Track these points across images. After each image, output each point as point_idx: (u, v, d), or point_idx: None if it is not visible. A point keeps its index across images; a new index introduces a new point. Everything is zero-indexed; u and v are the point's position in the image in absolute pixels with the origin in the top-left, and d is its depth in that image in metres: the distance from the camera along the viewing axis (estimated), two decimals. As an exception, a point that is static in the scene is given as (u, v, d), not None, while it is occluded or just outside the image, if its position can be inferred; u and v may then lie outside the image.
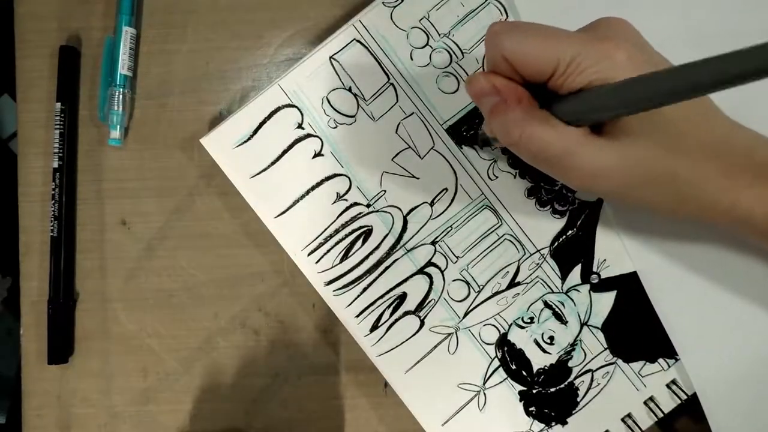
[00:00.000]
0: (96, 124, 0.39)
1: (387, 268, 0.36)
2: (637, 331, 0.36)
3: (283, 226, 0.36)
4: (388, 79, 0.36)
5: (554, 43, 0.26)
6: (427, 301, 0.36)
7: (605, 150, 0.27)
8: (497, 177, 0.36)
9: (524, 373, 0.36)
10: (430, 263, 0.36)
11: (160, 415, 0.38)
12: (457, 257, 0.36)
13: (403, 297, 0.36)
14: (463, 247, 0.36)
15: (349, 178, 0.36)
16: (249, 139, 0.36)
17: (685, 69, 0.22)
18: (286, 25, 0.39)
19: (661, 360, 0.35)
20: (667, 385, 0.35)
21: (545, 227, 0.36)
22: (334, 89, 0.36)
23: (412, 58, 0.36)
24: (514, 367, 0.36)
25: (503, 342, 0.36)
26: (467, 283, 0.36)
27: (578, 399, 0.36)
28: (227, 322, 0.38)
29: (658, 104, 0.23)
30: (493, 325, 0.36)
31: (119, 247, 0.39)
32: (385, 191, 0.36)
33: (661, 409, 0.35)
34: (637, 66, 0.25)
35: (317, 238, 0.36)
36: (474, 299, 0.36)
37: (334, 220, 0.36)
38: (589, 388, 0.36)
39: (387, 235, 0.36)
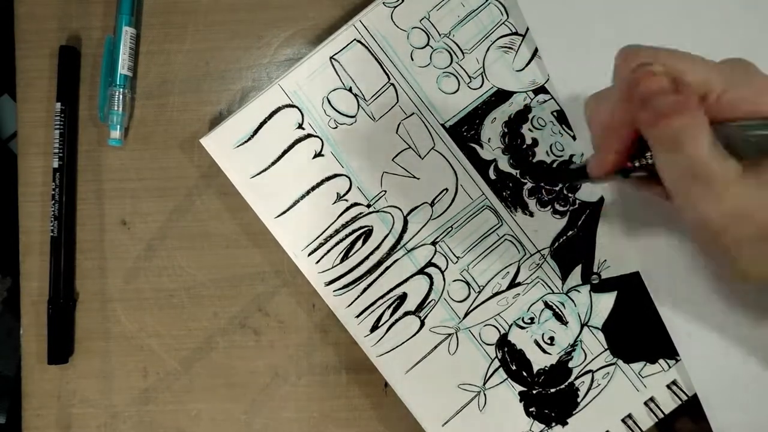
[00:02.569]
0: (96, 124, 0.39)
1: (387, 268, 0.36)
2: (637, 332, 0.36)
3: (283, 226, 0.36)
4: (389, 79, 0.36)
5: (709, 69, 0.25)
6: (428, 302, 0.36)
7: (759, 188, 0.24)
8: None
9: (524, 373, 0.36)
10: (430, 263, 0.36)
11: (160, 415, 0.38)
12: (457, 257, 0.36)
13: (403, 297, 0.36)
14: (463, 247, 0.36)
15: (349, 178, 0.36)
16: (249, 139, 0.36)
17: None
18: (286, 25, 0.39)
19: (661, 361, 0.35)
20: (668, 386, 0.35)
21: (546, 228, 0.36)
22: (335, 89, 0.36)
23: (412, 59, 0.36)
24: (514, 367, 0.36)
25: (503, 342, 0.36)
26: (467, 283, 0.36)
27: (578, 399, 0.36)
28: (227, 322, 0.38)
29: None
30: (494, 326, 0.36)
31: (119, 247, 0.39)
32: (385, 191, 0.36)
33: (661, 410, 0.35)
34: None
35: (317, 238, 0.36)
36: (474, 300, 0.36)
37: (335, 221, 0.36)
38: (589, 389, 0.36)
39: (387, 235, 0.36)
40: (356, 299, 0.36)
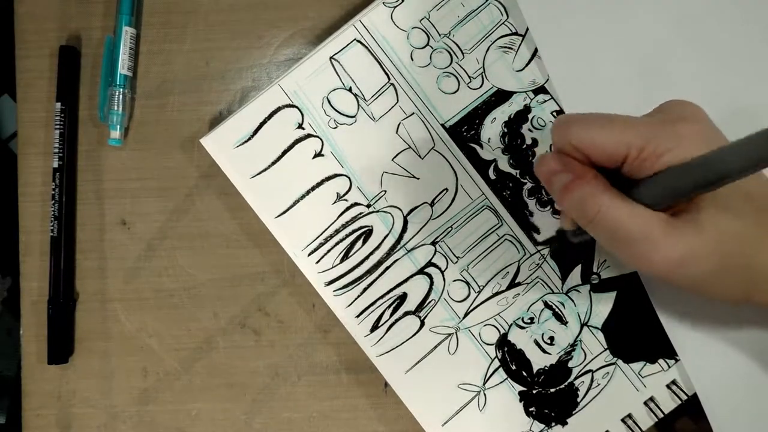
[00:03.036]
0: (96, 124, 0.39)
1: (387, 268, 0.36)
2: (637, 332, 0.36)
3: (283, 226, 0.36)
4: (389, 79, 0.36)
5: (623, 129, 0.26)
6: (428, 302, 0.36)
7: (689, 234, 0.26)
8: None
9: (524, 373, 0.36)
10: (430, 263, 0.36)
11: (160, 415, 0.38)
12: (457, 257, 0.36)
13: (403, 297, 0.36)
14: (463, 247, 0.36)
15: (349, 178, 0.36)
16: (249, 139, 0.36)
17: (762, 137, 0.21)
18: (286, 25, 0.39)
19: (661, 360, 0.35)
20: (668, 386, 0.35)
21: (545, 228, 0.36)
22: (335, 89, 0.36)
23: (412, 59, 0.36)
24: (514, 367, 0.36)
25: (503, 342, 0.36)
26: (467, 283, 0.36)
27: (578, 399, 0.36)
28: (227, 322, 0.38)
29: (738, 175, 0.23)
30: (494, 326, 0.36)
31: (119, 247, 0.39)
32: (385, 191, 0.36)
33: (661, 410, 0.35)
34: (712, 144, 0.24)
35: (317, 238, 0.36)
36: (474, 299, 0.36)
37: (335, 221, 0.36)
38: (589, 389, 0.36)
39: (387, 235, 0.36)
40: (356, 299, 0.36)
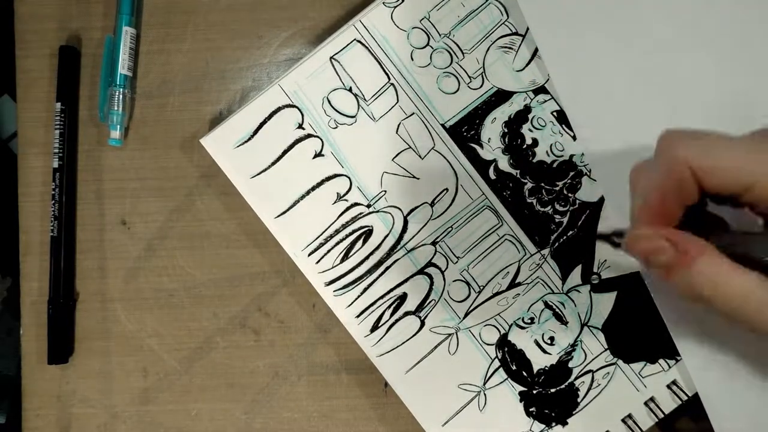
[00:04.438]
0: (96, 124, 0.39)
1: (387, 268, 0.36)
2: (637, 332, 0.36)
3: (283, 226, 0.36)
4: (389, 79, 0.36)
5: (750, 154, 0.23)
6: (428, 302, 0.36)
7: None
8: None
9: (524, 373, 0.36)
10: (430, 263, 0.36)
11: (160, 415, 0.38)
12: (457, 257, 0.36)
13: (403, 297, 0.36)
14: (463, 247, 0.36)
15: (349, 178, 0.36)
16: (249, 139, 0.36)
17: None
18: (286, 25, 0.39)
19: (661, 361, 0.35)
20: (668, 386, 0.35)
21: (546, 227, 0.36)
22: (335, 89, 0.36)
23: (412, 59, 0.36)
24: (514, 367, 0.36)
25: (503, 342, 0.36)
26: (467, 283, 0.36)
27: (579, 400, 0.36)
28: (227, 322, 0.38)
29: None
30: (494, 326, 0.36)
31: (119, 247, 0.39)
32: (385, 191, 0.36)
33: (661, 410, 0.35)
34: None
35: (317, 238, 0.36)
36: (474, 300, 0.36)
37: (335, 221, 0.36)
38: (589, 389, 0.36)
39: (387, 235, 0.36)
40: (356, 299, 0.36)
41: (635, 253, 0.26)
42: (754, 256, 0.24)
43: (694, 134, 0.25)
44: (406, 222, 0.36)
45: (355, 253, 0.36)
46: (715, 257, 0.24)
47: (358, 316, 0.36)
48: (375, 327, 0.36)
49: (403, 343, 0.36)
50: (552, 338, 0.36)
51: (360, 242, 0.36)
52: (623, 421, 0.36)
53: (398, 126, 0.36)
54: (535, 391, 0.36)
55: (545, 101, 0.36)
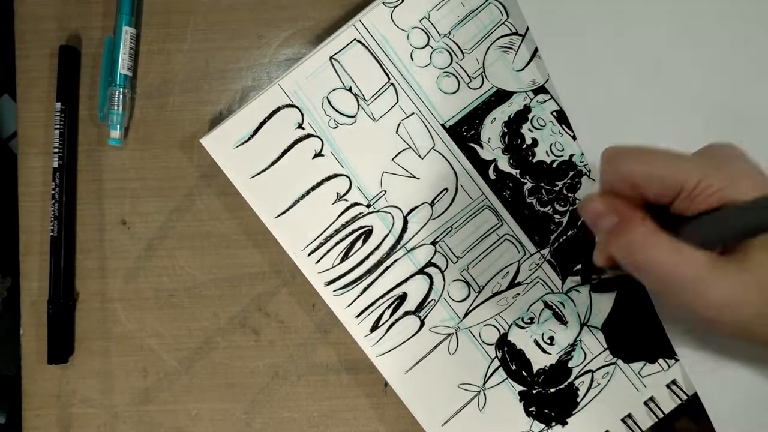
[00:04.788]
0: (96, 124, 0.39)
1: (387, 268, 0.36)
2: (636, 332, 0.36)
3: (283, 226, 0.36)
4: (389, 79, 0.36)
5: (680, 163, 0.26)
6: (428, 302, 0.36)
7: (737, 276, 0.25)
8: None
9: (524, 373, 0.36)
10: (430, 263, 0.36)
11: (160, 415, 0.38)
12: (457, 257, 0.36)
13: (403, 297, 0.36)
14: (463, 247, 0.36)
15: (349, 178, 0.36)
16: (249, 139, 0.36)
17: None
18: (286, 25, 0.39)
19: (661, 360, 0.35)
20: (667, 386, 0.35)
21: (546, 227, 0.36)
22: (335, 89, 0.36)
23: (412, 58, 0.36)
24: (514, 367, 0.36)
25: (503, 342, 0.36)
26: (467, 283, 0.36)
27: (578, 399, 0.36)
28: (227, 322, 0.38)
29: None
30: (493, 326, 0.36)
31: (119, 247, 0.39)
32: (385, 191, 0.36)
33: (661, 410, 0.35)
34: (762, 185, 0.25)
35: (317, 238, 0.36)
36: (474, 299, 0.36)
37: (335, 221, 0.36)
38: (589, 389, 0.36)
39: (387, 235, 0.36)
40: (356, 299, 0.36)
41: (585, 215, 0.28)
42: (691, 238, 0.26)
43: (634, 149, 0.27)
44: (406, 222, 0.36)
45: (355, 252, 0.36)
46: (651, 229, 0.26)
47: (357, 316, 0.36)
48: (375, 327, 0.36)
49: (403, 342, 0.36)
50: (552, 338, 0.36)
51: (360, 242, 0.36)
52: (623, 420, 0.36)
53: (398, 126, 0.36)
54: (534, 391, 0.36)
55: (545, 101, 0.36)
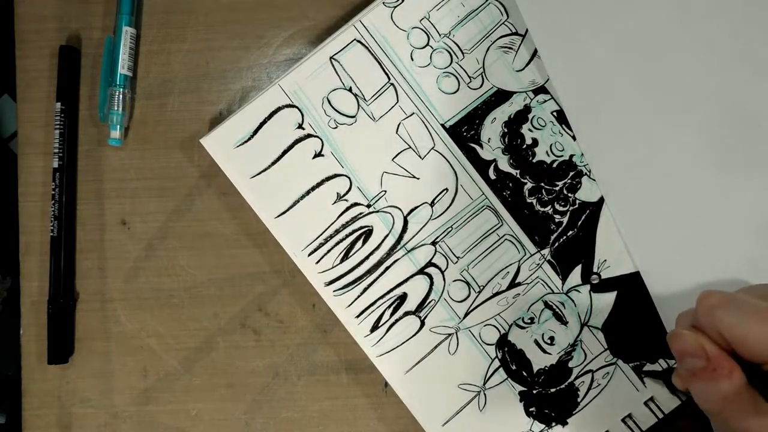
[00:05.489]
0: (96, 124, 0.39)
1: (387, 268, 0.36)
2: (637, 332, 0.36)
3: (283, 226, 0.36)
4: (389, 79, 0.36)
5: None
6: (428, 302, 0.36)
7: None
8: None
9: (524, 373, 0.36)
10: (430, 263, 0.36)
11: (160, 415, 0.38)
12: (457, 258, 0.36)
13: (403, 297, 0.36)
14: (463, 247, 0.36)
15: (349, 178, 0.36)
16: (249, 139, 0.36)
17: None
18: (286, 25, 0.39)
19: (661, 360, 0.35)
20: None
21: (546, 227, 0.36)
22: (335, 89, 0.36)
23: (412, 59, 0.36)
24: (513, 367, 0.36)
25: (503, 342, 0.36)
26: (467, 283, 0.36)
27: (578, 399, 0.36)
28: (227, 322, 0.38)
29: None
30: (494, 326, 0.36)
31: (119, 247, 0.39)
32: (385, 191, 0.36)
33: (661, 410, 0.35)
34: None
35: (317, 238, 0.36)
36: (474, 300, 0.36)
37: (335, 221, 0.36)
38: (589, 389, 0.36)
39: (387, 235, 0.36)
40: (356, 299, 0.36)
41: (672, 347, 0.28)
42: None
43: (732, 301, 0.26)
44: (406, 222, 0.36)
45: (354, 253, 0.36)
46: (741, 385, 0.25)
47: (358, 316, 0.36)
48: (375, 327, 0.36)
49: (403, 343, 0.36)
50: (552, 338, 0.36)
51: (360, 242, 0.36)
52: (623, 420, 0.36)
53: (398, 126, 0.36)
54: (534, 391, 0.36)
55: (545, 101, 0.36)
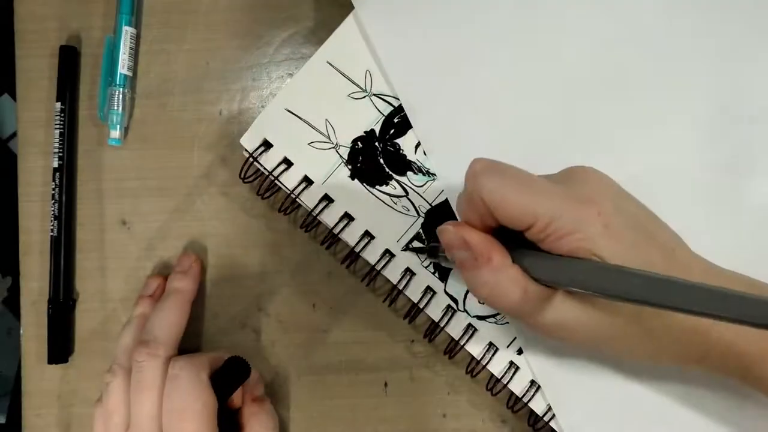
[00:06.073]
0: (96, 124, 0.39)
1: None
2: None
3: None
4: None
5: (533, 198, 0.26)
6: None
7: (571, 308, 0.27)
8: None
9: None
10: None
11: (160, 415, 0.38)
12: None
13: None
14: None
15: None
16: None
17: (668, 284, 0.22)
18: (286, 25, 0.39)
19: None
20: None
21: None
22: None
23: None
24: None
25: None
26: None
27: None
28: (227, 322, 0.38)
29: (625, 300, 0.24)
30: None
31: (119, 247, 0.39)
32: None
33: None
34: (615, 237, 0.25)
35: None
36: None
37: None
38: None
39: None
40: None
41: (441, 242, 0.29)
42: (549, 278, 0.26)
43: (498, 168, 0.27)
44: None
45: None
46: (500, 266, 0.27)
47: None
48: None
49: None
50: None
51: None
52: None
53: None
54: None
55: None
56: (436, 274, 0.36)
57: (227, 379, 0.31)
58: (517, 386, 0.36)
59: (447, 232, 0.28)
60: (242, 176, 0.36)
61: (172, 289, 0.35)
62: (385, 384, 0.38)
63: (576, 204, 0.26)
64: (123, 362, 0.33)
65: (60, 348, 0.38)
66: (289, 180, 0.36)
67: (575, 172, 0.28)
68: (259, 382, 0.35)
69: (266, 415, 0.34)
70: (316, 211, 0.36)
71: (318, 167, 0.36)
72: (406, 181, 0.36)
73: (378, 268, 0.36)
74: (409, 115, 0.36)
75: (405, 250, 0.36)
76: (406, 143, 0.36)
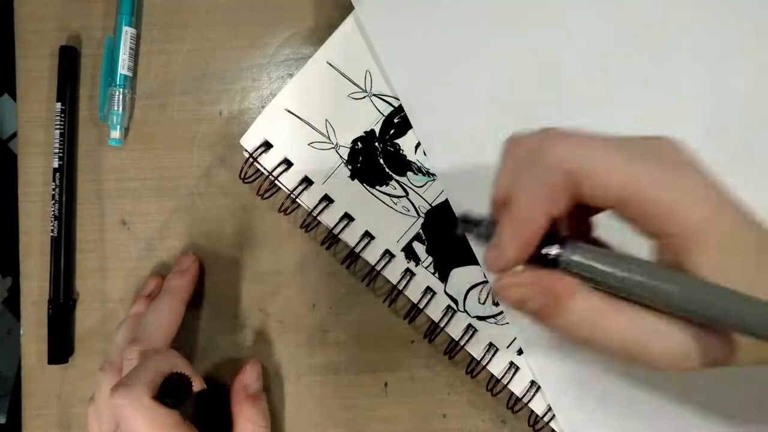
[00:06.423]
0: (96, 124, 0.39)
1: None
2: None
3: None
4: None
5: (630, 159, 0.21)
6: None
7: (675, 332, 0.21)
8: None
9: None
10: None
11: (160, 415, 0.38)
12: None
13: None
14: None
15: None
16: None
17: None
18: (286, 25, 0.39)
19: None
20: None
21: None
22: None
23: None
24: None
25: None
26: None
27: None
28: (227, 322, 0.38)
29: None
30: None
31: (119, 247, 0.39)
32: None
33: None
34: (735, 249, 0.20)
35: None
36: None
37: None
38: None
39: None
40: None
41: (505, 303, 0.23)
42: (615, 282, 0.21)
43: (575, 132, 0.22)
44: None
45: None
46: (586, 295, 0.22)
47: None
48: None
49: None
50: None
51: None
52: None
53: None
54: None
55: None
56: (436, 275, 0.36)
57: (172, 395, 0.30)
58: (517, 386, 0.36)
59: (509, 286, 0.22)
60: (242, 176, 0.37)
61: (167, 288, 0.35)
62: (385, 384, 0.38)
63: (675, 178, 0.21)
64: (114, 359, 0.33)
65: (60, 348, 0.38)
66: (289, 180, 0.36)
67: (656, 141, 0.22)
68: (257, 379, 0.35)
69: (258, 412, 0.34)
70: (316, 212, 0.36)
71: (318, 167, 0.36)
72: (406, 182, 0.36)
73: (378, 268, 0.36)
74: (409, 116, 0.36)
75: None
76: (406, 143, 0.36)
